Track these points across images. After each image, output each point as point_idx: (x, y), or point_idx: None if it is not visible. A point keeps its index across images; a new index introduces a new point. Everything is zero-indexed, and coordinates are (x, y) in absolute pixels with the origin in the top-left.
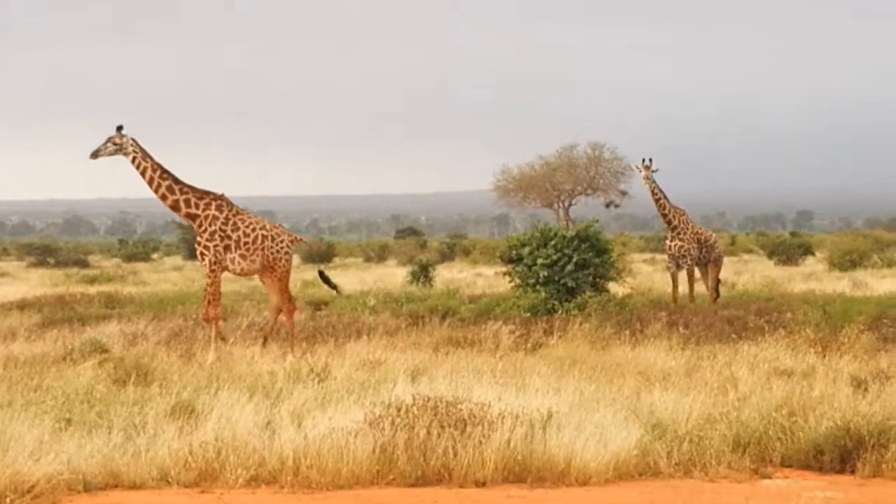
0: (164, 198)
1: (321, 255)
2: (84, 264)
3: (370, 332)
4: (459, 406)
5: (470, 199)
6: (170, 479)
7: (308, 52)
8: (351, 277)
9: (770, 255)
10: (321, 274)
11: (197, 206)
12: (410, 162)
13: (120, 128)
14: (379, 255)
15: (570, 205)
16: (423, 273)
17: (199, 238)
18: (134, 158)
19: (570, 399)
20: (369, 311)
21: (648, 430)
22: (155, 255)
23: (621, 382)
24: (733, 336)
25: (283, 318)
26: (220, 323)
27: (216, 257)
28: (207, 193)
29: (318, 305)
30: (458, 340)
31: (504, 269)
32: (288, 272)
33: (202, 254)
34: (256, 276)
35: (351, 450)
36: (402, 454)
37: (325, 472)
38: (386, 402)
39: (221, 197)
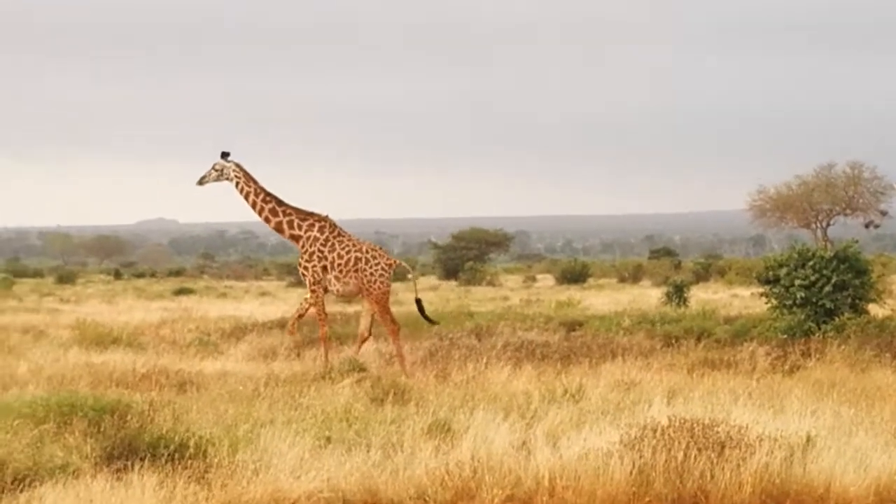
0: (267, 220)
1: (575, 276)
2: None
3: (624, 353)
4: (716, 428)
5: (725, 219)
6: (427, 498)
7: (562, 76)
8: (605, 298)
9: None
10: (418, 303)
11: (300, 228)
12: (665, 182)
13: (223, 154)
14: (633, 275)
15: (828, 225)
16: (677, 294)
17: (300, 259)
18: (237, 183)
19: (828, 422)
20: (623, 332)
21: None
22: (409, 276)
23: (882, 406)
24: None
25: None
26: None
27: (314, 278)
28: (311, 215)
29: (571, 326)
30: (714, 362)
31: (760, 289)
32: (385, 294)
33: (303, 274)
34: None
35: (607, 471)
36: (660, 476)
37: (581, 493)
38: (642, 424)
39: (325, 219)
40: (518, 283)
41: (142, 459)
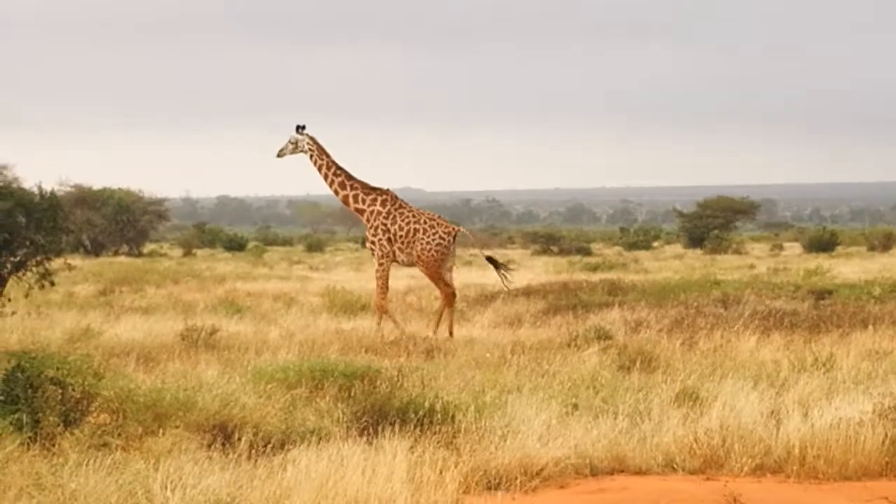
0: (336, 193)
1: (823, 244)
2: (586, 252)
3: (876, 322)
4: None
5: None
6: (675, 466)
7: (808, 53)
8: (854, 266)
9: None
10: (489, 259)
11: (364, 202)
12: None
13: (299, 127)
14: (883, 243)
15: None
16: None
17: (367, 233)
18: (311, 156)
19: None
20: (874, 301)
21: None
22: (656, 243)
23: None
24: None
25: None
26: (391, 313)
27: (382, 250)
28: (375, 189)
29: (820, 295)
30: None
31: None
32: (436, 262)
33: (371, 248)
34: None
35: (859, 441)
36: None
37: (833, 462)
38: (895, 393)
39: (387, 192)
40: (765, 251)
41: (391, 424)
